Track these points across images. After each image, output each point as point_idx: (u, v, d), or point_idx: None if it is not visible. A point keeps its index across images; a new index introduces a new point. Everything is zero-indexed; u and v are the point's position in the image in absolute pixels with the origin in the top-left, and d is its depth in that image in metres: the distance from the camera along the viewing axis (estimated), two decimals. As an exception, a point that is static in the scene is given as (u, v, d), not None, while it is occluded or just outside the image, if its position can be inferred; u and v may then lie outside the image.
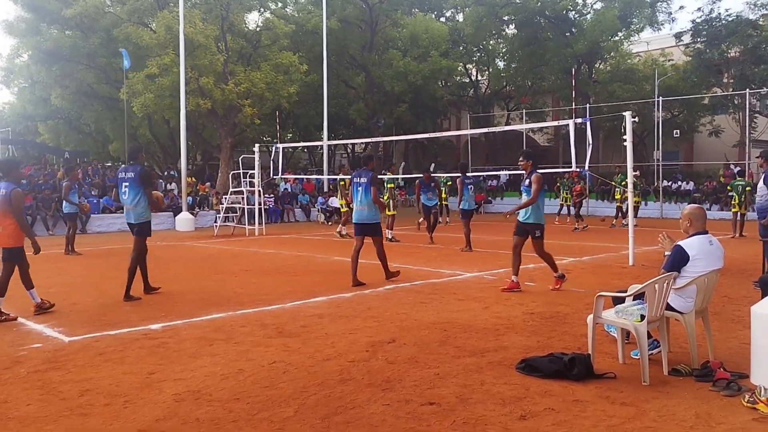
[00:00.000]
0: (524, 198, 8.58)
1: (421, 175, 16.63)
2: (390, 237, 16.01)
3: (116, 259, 13.29)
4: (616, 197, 20.80)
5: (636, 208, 19.72)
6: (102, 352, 5.62)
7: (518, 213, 8.65)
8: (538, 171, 8.63)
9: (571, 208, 21.68)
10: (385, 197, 16.54)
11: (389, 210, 16.49)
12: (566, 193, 21.91)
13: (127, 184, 8.30)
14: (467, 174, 14.28)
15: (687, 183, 27.34)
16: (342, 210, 17.67)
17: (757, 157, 10.18)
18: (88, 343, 5.93)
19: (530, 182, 8.45)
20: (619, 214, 20.78)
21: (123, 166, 8.64)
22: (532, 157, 8.78)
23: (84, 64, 28.39)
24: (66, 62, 27.80)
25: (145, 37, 24.08)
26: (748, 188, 17.15)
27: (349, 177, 16.65)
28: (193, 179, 27.30)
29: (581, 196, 20.35)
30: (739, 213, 16.84)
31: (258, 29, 29.25)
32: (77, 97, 30.21)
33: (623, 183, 19.18)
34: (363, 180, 9.15)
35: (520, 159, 8.82)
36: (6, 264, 7.22)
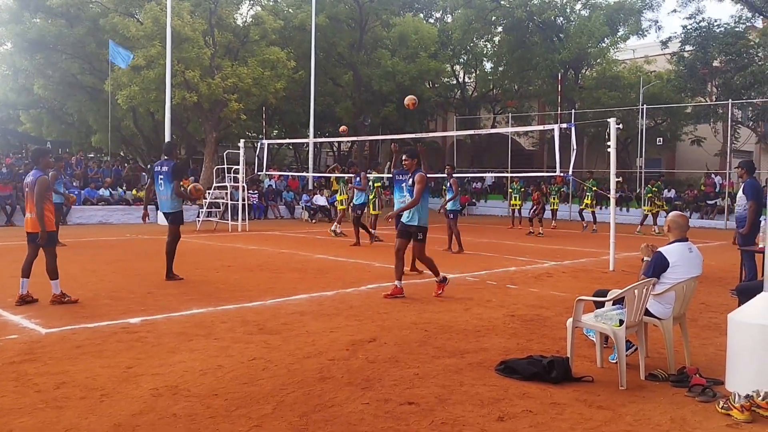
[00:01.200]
0: (408, 199, 8.26)
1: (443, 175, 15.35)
2: (374, 234, 16.02)
3: (96, 251, 13.20)
4: (586, 202, 21.01)
5: (593, 212, 20.79)
6: (79, 344, 5.56)
7: (402, 215, 8.17)
8: (422, 171, 8.15)
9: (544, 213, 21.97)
10: (371, 196, 16.50)
11: (373, 209, 16.44)
12: (554, 198, 22.08)
13: (162, 177, 9.10)
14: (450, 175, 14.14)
15: (669, 191, 27.61)
16: (339, 207, 17.59)
17: (737, 168, 10.32)
18: (66, 336, 5.87)
19: (413, 182, 8.12)
20: (590, 219, 20.97)
21: (159, 160, 9.46)
22: (417, 155, 8.12)
23: (68, 53, 28.03)
24: (50, 51, 27.43)
25: (132, 28, 23.85)
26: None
27: (350, 175, 16.66)
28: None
29: (539, 204, 20.47)
30: None
31: (246, 24, 29.07)
32: (61, 87, 29.82)
33: (594, 188, 19.83)
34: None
35: (404, 157, 8.15)
36: (47, 249, 7.37)
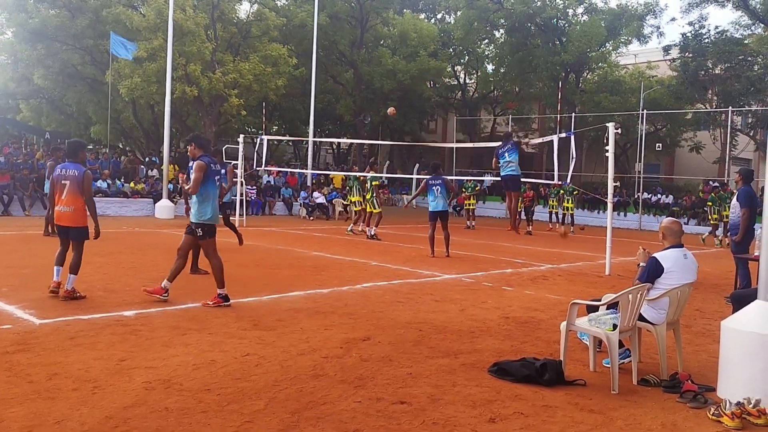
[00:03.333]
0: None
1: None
2: (372, 234, 16.09)
3: (92, 243, 13.12)
4: (567, 205, 21.78)
5: (572, 215, 21.83)
6: (73, 336, 5.55)
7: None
8: (204, 159, 7.26)
9: (558, 215, 22.44)
10: (368, 195, 16.52)
11: (374, 208, 16.38)
12: (554, 201, 22.15)
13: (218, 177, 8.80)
14: (436, 175, 12.97)
15: (666, 196, 27.67)
16: (355, 209, 17.58)
17: (735, 173, 10.36)
18: (60, 327, 5.86)
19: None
20: (567, 221, 21.91)
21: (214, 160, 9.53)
22: (200, 142, 7.50)
23: (69, 44, 27.98)
24: (51, 42, 27.35)
25: (136, 19, 23.82)
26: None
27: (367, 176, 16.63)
28: (177, 167, 27.10)
29: (533, 203, 21.26)
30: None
31: (248, 19, 29.04)
32: (61, 78, 29.75)
33: (575, 193, 21.25)
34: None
35: (188, 145, 7.77)
36: (76, 243, 7.39)
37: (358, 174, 17.66)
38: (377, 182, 16.77)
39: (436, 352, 5.55)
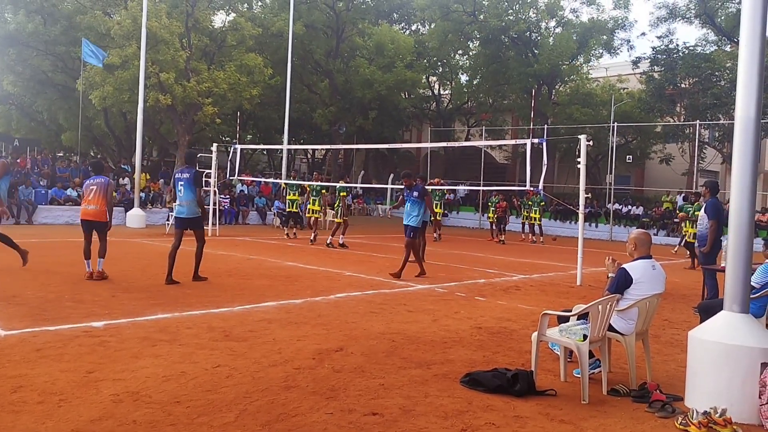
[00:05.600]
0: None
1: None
2: (341, 242, 16.44)
3: (61, 252, 12.93)
4: (533, 215, 22.25)
5: (540, 226, 22.49)
6: (39, 347, 5.45)
7: None
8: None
9: (525, 226, 22.61)
10: (336, 204, 16.97)
11: (338, 217, 16.77)
12: (535, 213, 22.29)
13: (182, 183, 9.49)
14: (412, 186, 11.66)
15: (637, 207, 28.07)
16: (336, 220, 16.99)
17: (702, 186, 10.55)
18: (26, 338, 5.75)
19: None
20: (536, 231, 22.46)
21: (180, 168, 10.39)
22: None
23: (41, 50, 27.56)
24: (22, 47, 26.95)
25: (113, 26, 23.59)
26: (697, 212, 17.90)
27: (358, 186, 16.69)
28: (147, 175, 26.80)
29: (505, 213, 21.82)
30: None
31: (224, 28, 28.94)
32: (31, 84, 29.26)
33: (542, 204, 22.00)
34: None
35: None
36: (101, 235, 9.57)
37: (319, 184, 18.08)
38: (344, 192, 17.04)
39: (409, 362, 5.55)
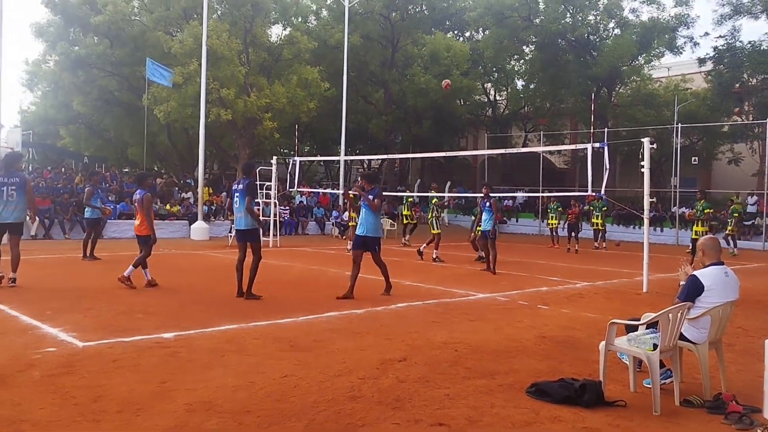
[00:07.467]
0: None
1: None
2: (435, 256, 15.76)
3: (127, 265, 13.40)
4: (595, 221, 21.88)
5: (603, 232, 22.00)
6: (115, 358, 5.67)
7: None
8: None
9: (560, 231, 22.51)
10: (430, 215, 16.38)
11: (435, 228, 16.09)
12: (597, 218, 21.77)
13: (238, 194, 9.26)
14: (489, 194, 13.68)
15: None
16: (433, 232, 16.13)
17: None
18: (102, 349, 5.99)
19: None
20: (599, 236, 22.02)
21: (237, 179, 10.34)
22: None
23: (108, 71, 28.78)
24: (90, 69, 28.20)
25: (174, 44, 24.44)
26: (736, 214, 17.29)
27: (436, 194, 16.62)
28: (210, 189, 27.53)
29: (578, 219, 21.28)
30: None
31: (280, 43, 29.55)
32: (99, 104, 30.59)
33: (604, 209, 21.53)
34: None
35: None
36: (143, 246, 10.04)
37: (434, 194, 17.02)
38: (436, 200, 16.49)
39: (473, 372, 5.52)
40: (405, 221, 20.07)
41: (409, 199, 20.16)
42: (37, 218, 18.77)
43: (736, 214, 21.04)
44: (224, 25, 25.07)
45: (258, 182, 20.33)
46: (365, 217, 9.57)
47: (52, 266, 12.82)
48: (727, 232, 20.99)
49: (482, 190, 13.99)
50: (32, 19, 56.13)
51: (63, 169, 29.85)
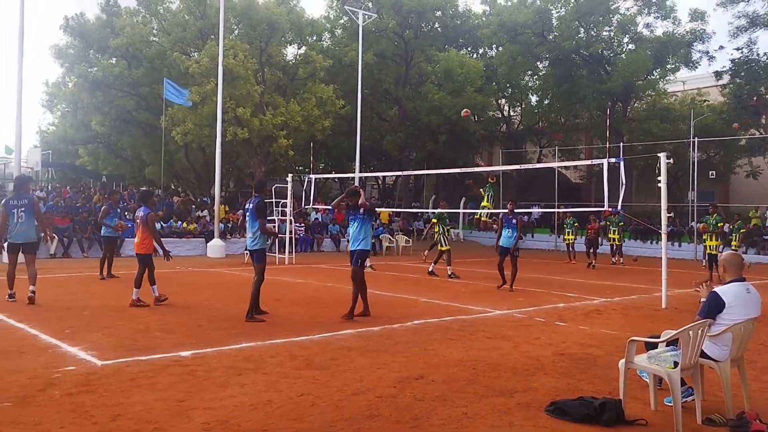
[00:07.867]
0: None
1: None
2: (450, 273, 15.72)
3: (146, 283, 13.48)
4: (612, 236, 21.66)
5: (620, 247, 21.78)
6: (133, 377, 5.69)
7: None
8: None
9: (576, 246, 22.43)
10: (437, 231, 16.26)
11: (443, 245, 16.00)
12: (614, 233, 21.57)
13: (248, 213, 9.12)
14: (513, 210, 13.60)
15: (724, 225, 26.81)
16: (441, 248, 16.11)
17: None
18: (120, 368, 6.02)
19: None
20: (616, 252, 21.90)
21: (250, 198, 9.70)
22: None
23: (125, 91, 29.20)
24: (109, 89, 28.63)
25: (191, 65, 24.76)
26: (719, 224, 17.17)
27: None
28: (227, 207, 27.70)
29: (597, 234, 21.22)
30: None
31: (295, 61, 29.83)
32: (117, 123, 31.02)
33: (621, 224, 21.36)
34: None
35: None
36: (140, 265, 10.02)
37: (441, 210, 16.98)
38: (435, 219, 16.54)
39: (491, 390, 5.48)
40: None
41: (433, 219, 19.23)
42: (56, 237, 19.08)
43: (743, 230, 20.70)
44: (243, 45, 25.35)
45: (272, 200, 20.58)
46: (356, 232, 9.60)
47: (70, 285, 12.93)
48: (732, 246, 20.67)
49: (507, 206, 13.80)
50: (51, 41, 57.10)
51: (82, 188, 30.19)
